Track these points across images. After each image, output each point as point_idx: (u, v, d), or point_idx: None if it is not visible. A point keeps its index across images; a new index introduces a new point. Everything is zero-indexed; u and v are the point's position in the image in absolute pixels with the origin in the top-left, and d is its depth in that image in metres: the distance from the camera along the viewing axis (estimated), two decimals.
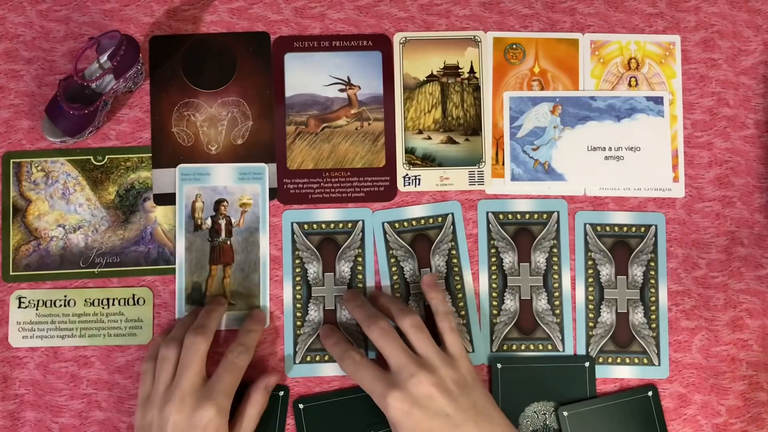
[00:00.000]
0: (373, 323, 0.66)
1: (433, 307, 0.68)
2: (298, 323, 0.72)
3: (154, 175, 0.73)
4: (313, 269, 0.73)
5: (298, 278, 0.72)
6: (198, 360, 0.64)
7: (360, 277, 0.73)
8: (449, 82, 0.75)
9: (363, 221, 0.73)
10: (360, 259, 0.73)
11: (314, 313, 0.72)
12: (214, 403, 0.63)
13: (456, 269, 0.73)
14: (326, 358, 0.72)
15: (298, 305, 0.72)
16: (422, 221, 0.73)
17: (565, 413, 0.70)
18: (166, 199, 0.73)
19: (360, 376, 0.65)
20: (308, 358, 0.72)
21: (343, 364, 0.67)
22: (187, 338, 0.65)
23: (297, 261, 0.73)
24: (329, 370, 0.72)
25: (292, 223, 0.73)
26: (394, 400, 0.62)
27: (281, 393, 0.71)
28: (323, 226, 0.73)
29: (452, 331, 0.67)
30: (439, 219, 0.73)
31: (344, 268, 0.73)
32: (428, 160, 0.74)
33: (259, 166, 0.73)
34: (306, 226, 0.73)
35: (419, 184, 0.74)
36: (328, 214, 0.73)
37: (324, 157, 0.74)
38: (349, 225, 0.73)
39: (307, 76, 0.75)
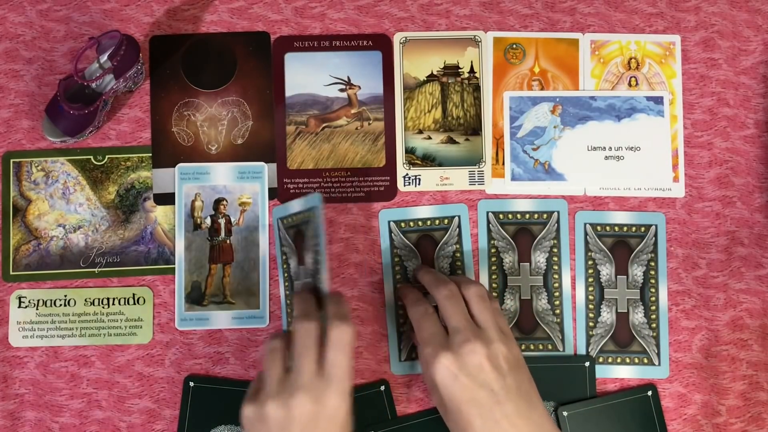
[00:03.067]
0: (441, 285, 0.66)
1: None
2: (289, 320, 0.73)
3: (154, 174, 0.73)
4: (294, 264, 0.73)
5: (285, 274, 0.73)
6: (313, 346, 0.60)
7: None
8: (449, 81, 0.76)
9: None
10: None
11: None
12: (337, 389, 0.59)
13: (459, 272, 0.74)
14: None
15: (288, 301, 0.73)
16: (428, 222, 0.74)
17: (565, 413, 0.71)
18: (167, 198, 0.73)
19: (423, 325, 0.65)
20: None
21: (412, 309, 0.67)
22: (297, 326, 0.61)
23: (283, 257, 0.73)
24: None
25: (277, 220, 0.73)
26: (445, 359, 0.62)
27: None
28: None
29: (499, 313, 0.67)
30: (446, 221, 0.74)
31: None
32: (428, 160, 0.75)
33: (258, 165, 0.74)
34: (285, 221, 0.73)
35: (419, 184, 0.74)
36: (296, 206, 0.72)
37: (324, 157, 0.75)
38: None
39: (307, 75, 0.75)
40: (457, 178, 0.75)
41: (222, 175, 0.73)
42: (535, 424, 0.62)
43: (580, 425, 0.71)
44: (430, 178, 0.75)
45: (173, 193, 0.73)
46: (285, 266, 0.73)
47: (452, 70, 0.76)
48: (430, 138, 0.75)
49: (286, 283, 0.73)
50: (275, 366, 0.60)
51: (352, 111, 0.75)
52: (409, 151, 0.75)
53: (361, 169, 0.74)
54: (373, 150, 0.75)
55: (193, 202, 0.73)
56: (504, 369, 0.62)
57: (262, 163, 0.74)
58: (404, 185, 0.75)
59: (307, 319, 0.61)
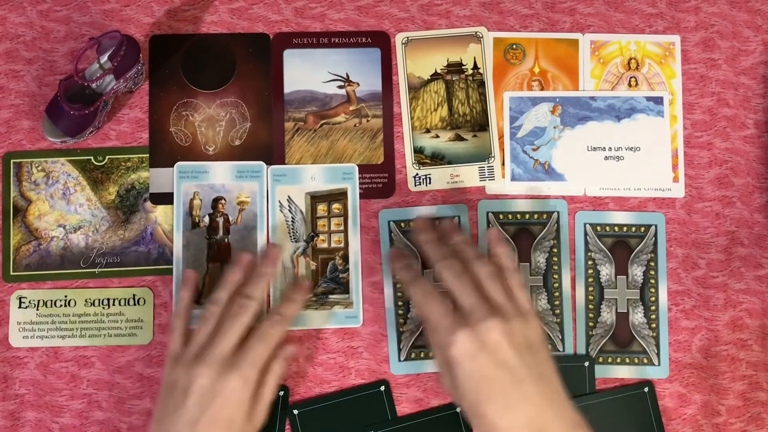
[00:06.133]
0: (448, 265, 0.66)
1: (500, 264, 0.69)
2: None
3: (151, 174, 0.76)
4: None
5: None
6: (237, 330, 0.67)
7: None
8: (453, 79, 0.79)
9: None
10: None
11: None
12: (240, 374, 0.65)
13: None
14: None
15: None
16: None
17: None
18: (163, 198, 0.76)
19: (428, 306, 0.65)
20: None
21: (411, 290, 0.68)
22: (233, 305, 0.69)
23: None
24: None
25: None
26: (462, 339, 0.62)
27: (281, 393, 0.73)
28: None
29: (521, 288, 0.67)
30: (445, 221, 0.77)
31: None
32: (437, 159, 0.78)
33: (257, 164, 0.76)
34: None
35: (430, 183, 0.77)
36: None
37: (322, 154, 0.78)
38: None
39: (306, 72, 0.78)
40: (467, 175, 0.77)
41: (220, 174, 0.76)
42: (556, 404, 0.62)
43: None
44: (441, 177, 0.77)
45: (170, 193, 0.76)
46: None
47: (456, 68, 0.79)
48: (437, 137, 0.78)
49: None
50: (200, 336, 0.68)
51: (351, 108, 0.78)
52: (418, 151, 0.78)
53: (360, 165, 0.77)
54: (372, 147, 0.78)
55: (191, 200, 0.76)
56: (522, 347, 0.62)
57: (260, 162, 0.76)
58: (415, 185, 0.77)
59: (239, 305, 0.68)
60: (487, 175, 0.78)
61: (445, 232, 0.72)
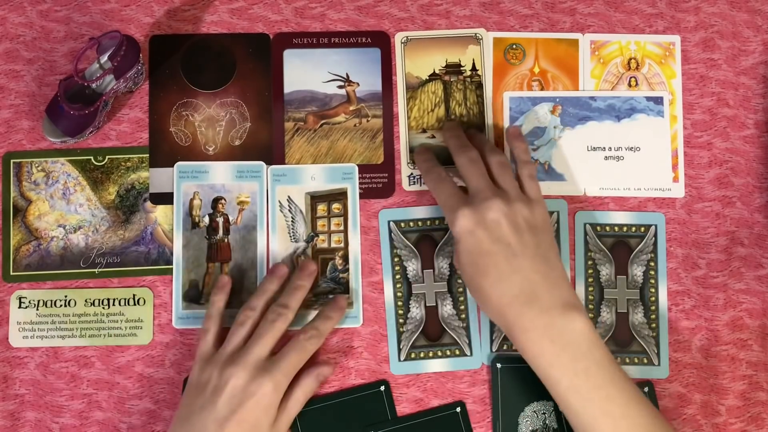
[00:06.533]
0: (463, 152, 0.72)
1: (516, 155, 0.75)
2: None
3: (151, 174, 0.76)
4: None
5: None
6: (273, 336, 0.70)
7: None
8: (451, 80, 0.79)
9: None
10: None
11: None
12: (273, 379, 0.68)
13: (459, 272, 0.77)
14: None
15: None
16: (428, 222, 0.77)
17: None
18: (163, 198, 0.76)
19: (440, 189, 0.71)
20: None
21: (427, 177, 0.73)
22: (271, 312, 0.71)
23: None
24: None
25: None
26: (462, 215, 0.67)
27: None
28: None
29: (532, 178, 0.72)
30: (445, 221, 0.77)
31: None
32: None
33: (257, 164, 0.77)
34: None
35: (424, 183, 0.78)
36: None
37: (322, 154, 0.78)
38: None
39: (305, 72, 0.78)
40: None
41: (220, 174, 0.77)
42: (552, 283, 0.67)
43: None
44: None
45: (170, 193, 0.76)
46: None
47: (454, 69, 0.79)
48: (434, 137, 0.79)
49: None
50: (236, 338, 0.70)
51: (351, 108, 0.79)
52: (414, 151, 0.78)
53: (360, 165, 0.78)
54: (372, 147, 0.78)
55: (191, 200, 0.76)
56: (522, 227, 0.67)
57: (260, 162, 0.77)
58: (409, 184, 0.78)
59: (277, 312, 0.71)
60: None
61: (470, 135, 0.76)
